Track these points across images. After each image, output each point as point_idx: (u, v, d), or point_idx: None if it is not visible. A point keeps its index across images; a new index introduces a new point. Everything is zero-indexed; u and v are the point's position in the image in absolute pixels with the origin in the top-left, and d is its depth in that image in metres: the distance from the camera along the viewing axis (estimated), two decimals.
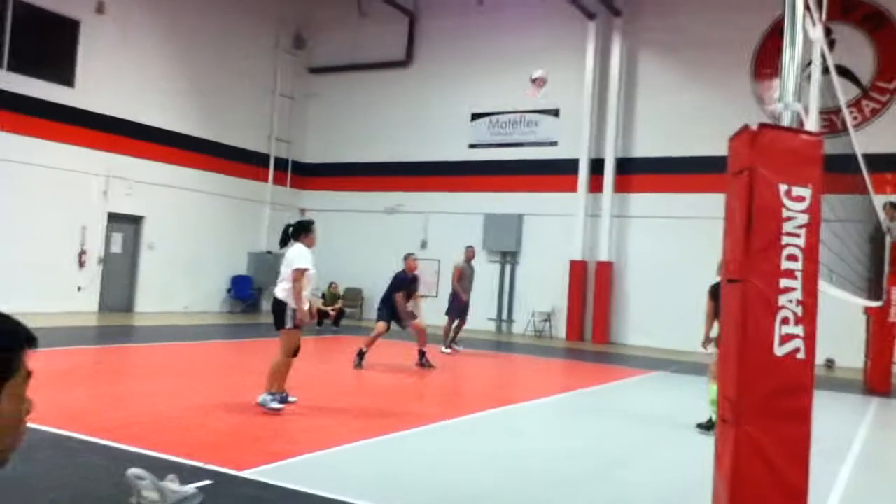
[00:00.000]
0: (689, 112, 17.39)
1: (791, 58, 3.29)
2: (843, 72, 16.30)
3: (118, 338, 13.05)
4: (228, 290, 20.13)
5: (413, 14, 21.15)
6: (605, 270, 18.06)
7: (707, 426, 7.22)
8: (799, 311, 2.94)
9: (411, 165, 20.88)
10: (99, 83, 16.82)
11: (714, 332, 6.97)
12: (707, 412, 7.36)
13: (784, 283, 2.93)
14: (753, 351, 2.88)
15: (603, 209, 18.27)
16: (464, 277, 13.71)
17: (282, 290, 7.05)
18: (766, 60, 16.78)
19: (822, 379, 13.00)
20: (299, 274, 6.89)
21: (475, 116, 20.29)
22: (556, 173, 18.95)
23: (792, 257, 2.96)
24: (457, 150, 20.37)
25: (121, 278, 17.80)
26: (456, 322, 13.71)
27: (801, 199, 3.02)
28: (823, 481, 5.48)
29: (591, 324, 18.17)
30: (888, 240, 12.08)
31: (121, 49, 17.25)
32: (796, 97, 3.30)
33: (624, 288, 17.89)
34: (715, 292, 7.18)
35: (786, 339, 2.91)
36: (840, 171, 7.93)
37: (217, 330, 15.45)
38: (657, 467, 6.04)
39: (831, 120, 16.40)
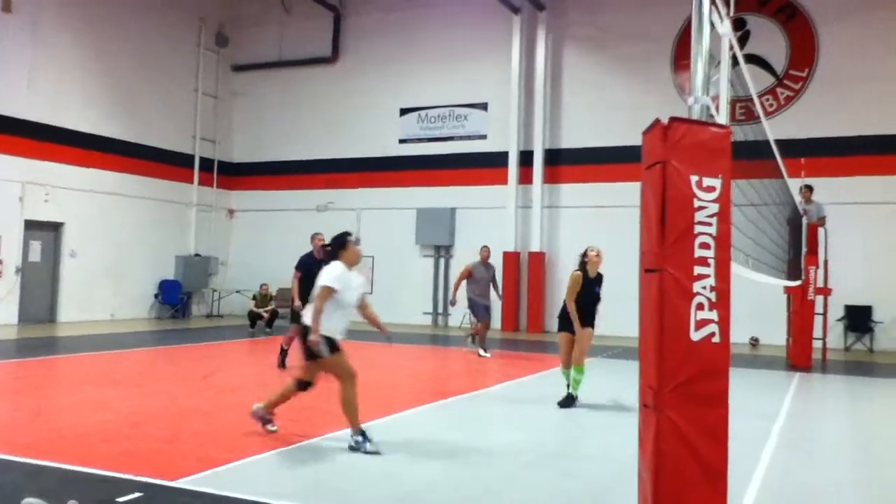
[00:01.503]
0: (614, 103, 17.77)
1: (699, 53, 3.40)
2: (759, 61, 16.96)
3: (39, 350, 12.57)
4: (156, 296, 19.61)
5: (338, 10, 20.97)
6: (538, 261, 18.32)
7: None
8: (713, 296, 3.05)
9: (342, 162, 20.74)
10: (10, 85, 16.12)
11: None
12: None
13: (698, 270, 3.04)
14: (671, 337, 2.97)
15: (533, 200, 18.52)
16: (473, 279, 12.85)
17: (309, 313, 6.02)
18: (685, 52, 17.26)
19: (748, 357, 13.56)
20: (323, 292, 5.86)
21: (404, 111, 20.28)
22: (487, 166, 19.11)
23: (705, 245, 3.07)
24: (387, 146, 20.32)
25: (41, 288, 17.14)
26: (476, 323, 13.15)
27: (711, 189, 3.12)
28: (748, 457, 5.70)
29: (525, 314, 18.41)
30: (805, 221, 12.60)
31: (32, 49, 16.57)
32: (706, 91, 3.41)
33: (556, 277, 18.17)
34: None
35: (701, 324, 3.02)
36: (758, 158, 8.24)
37: (144, 337, 15.04)
38: (592, 455, 6.17)
39: (748, 108, 17.04)
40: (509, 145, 18.79)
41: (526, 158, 18.71)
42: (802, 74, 16.77)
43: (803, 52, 16.79)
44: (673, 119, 3.15)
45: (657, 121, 3.17)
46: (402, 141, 20.26)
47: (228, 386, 7.03)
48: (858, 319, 15.67)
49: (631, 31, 17.93)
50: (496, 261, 18.50)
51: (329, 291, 5.86)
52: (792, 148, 14.58)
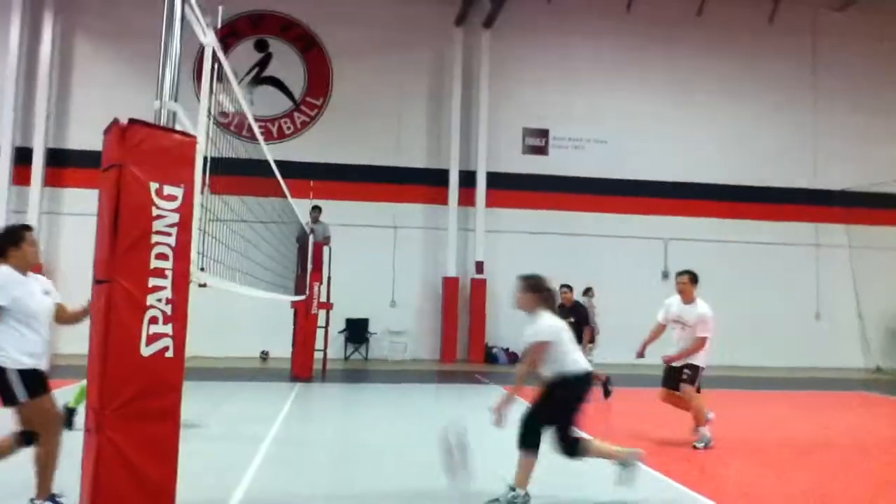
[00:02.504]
0: (130, 105, 16.69)
1: (168, 58, 3.30)
2: (279, 84, 17.79)
3: None
4: None
5: None
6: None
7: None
8: (168, 309, 2.94)
9: None
10: None
11: None
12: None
13: (153, 282, 2.90)
14: (119, 353, 2.78)
15: (30, 203, 16.42)
16: None
17: None
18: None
19: (257, 370, 13.93)
20: None
21: None
22: None
23: (162, 256, 2.95)
24: None
25: None
26: None
27: (172, 197, 3.02)
28: (234, 470, 5.73)
29: None
30: (311, 240, 13.47)
31: None
32: (173, 97, 3.31)
33: (65, 290, 16.26)
34: None
35: (154, 338, 2.88)
36: (268, 177, 8.51)
37: None
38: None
39: (267, 128, 17.69)
40: (1, 138, 16.38)
41: (22, 156, 16.51)
42: (318, 103, 18.05)
43: (320, 81, 18.08)
44: (132, 121, 2.98)
45: (115, 121, 2.97)
46: None
47: None
48: (357, 331, 17.38)
49: (149, 30, 17.14)
50: None
51: None
52: (305, 170, 15.56)
